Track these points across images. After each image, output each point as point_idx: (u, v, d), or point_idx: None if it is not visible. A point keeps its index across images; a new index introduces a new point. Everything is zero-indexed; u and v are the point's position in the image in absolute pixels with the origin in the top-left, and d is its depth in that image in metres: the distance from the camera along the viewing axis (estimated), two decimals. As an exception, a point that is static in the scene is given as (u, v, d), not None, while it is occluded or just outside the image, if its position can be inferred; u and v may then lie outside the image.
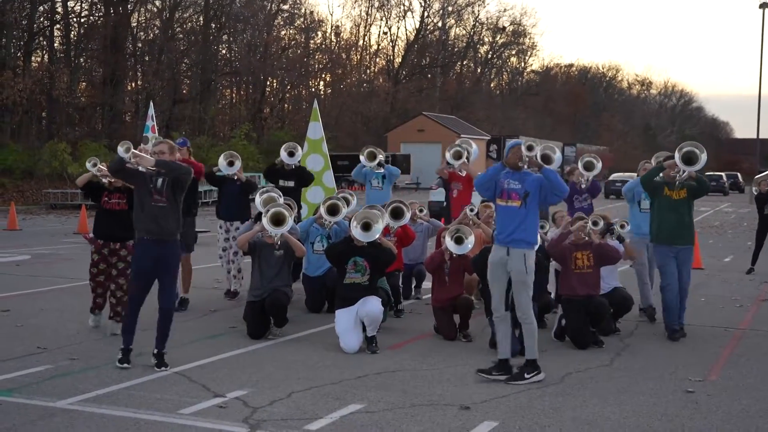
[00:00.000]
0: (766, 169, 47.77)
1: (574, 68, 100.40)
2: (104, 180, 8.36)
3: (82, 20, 43.76)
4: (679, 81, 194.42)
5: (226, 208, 10.65)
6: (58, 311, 9.69)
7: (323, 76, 64.13)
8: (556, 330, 8.61)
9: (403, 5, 74.09)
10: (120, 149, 7.11)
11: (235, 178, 10.47)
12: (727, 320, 9.96)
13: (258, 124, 52.49)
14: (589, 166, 10.90)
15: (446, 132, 56.22)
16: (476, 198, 10.49)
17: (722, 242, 21.05)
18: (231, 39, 53.99)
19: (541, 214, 11.38)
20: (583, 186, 10.89)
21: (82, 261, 13.74)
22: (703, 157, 8.42)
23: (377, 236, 8.26)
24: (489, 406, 6.22)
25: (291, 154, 11.24)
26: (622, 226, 8.91)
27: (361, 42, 71.88)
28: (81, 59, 43.72)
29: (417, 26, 74.41)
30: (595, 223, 8.61)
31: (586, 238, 8.47)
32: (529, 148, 6.77)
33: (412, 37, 74.19)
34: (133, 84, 47.09)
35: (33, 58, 42.24)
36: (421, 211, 10.93)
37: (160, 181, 7.03)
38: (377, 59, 74.57)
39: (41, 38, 42.30)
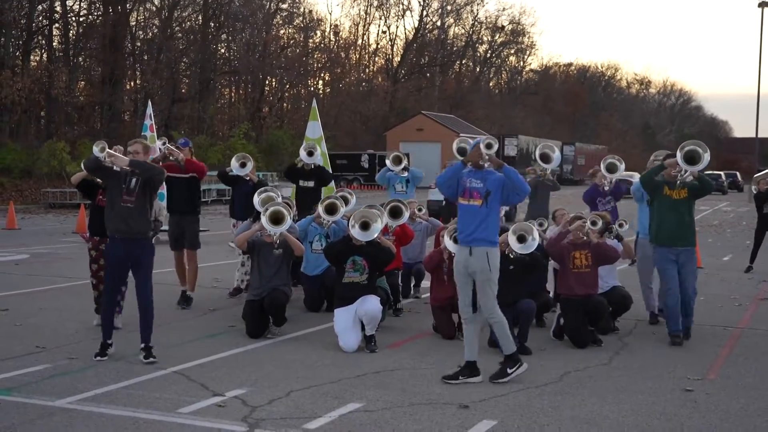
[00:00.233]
0: (764, 168, 47.89)
1: (573, 67, 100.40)
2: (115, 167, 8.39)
3: (81, 19, 43.72)
4: (678, 80, 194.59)
5: (240, 207, 10.85)
6: (57, 310, 9.69)
7: (322, 75, 64.09)
8: (555, 329, 8.61)
9: (402, 4, 74.13)
10: (95, 149, 7.32)
11: (248, 178, 10.70)
12: (725, 319, 9.96)
13: (257, 124, 52.48)
14: (612, 168, 10.48)
15: (445, 131, 56.21)
16: None
17: (721, 241, 21.07)
18: (230, 38, 53.94)
19: (541, 213, 11.43)
20: (606, 188, 10.48)
21: (81, 260, 13.71)
22: (706, 157, 8.20)
23: (376, 235, 8.26)
24: (487, 404, 6.23)
25: (310, 153, 11.45)
26: (620, 225, 8.87)
27: (359, 41, 71.92)
28: (80, 58, 43.69)
29: (416, 25, 74.46)
30: (593, 223, 8.59)
31: (585, 238, 8.47)
32: (488, 146, 6.74)
33: (411, 36, 74.18)
34: (132, 83, 47.05)
35: (32, 57, 42.16)
36: (419, 210, 10.94)
37: (133, 180, 7.24)
38: (376, 58, 74.63)
39: (40, 37, 42.24)
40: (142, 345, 7.35)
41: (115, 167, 7.21)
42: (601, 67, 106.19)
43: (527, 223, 8.50)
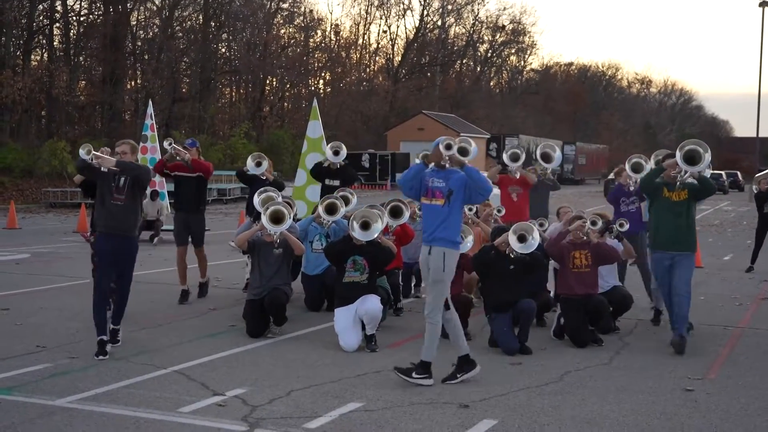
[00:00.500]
0: (765, 167, 47.85)
1: (573, 67, 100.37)
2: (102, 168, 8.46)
3: (82, 19, 43.75)
4: (678, 79, 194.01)
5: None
6: (58, 310, 9.69)
7: (323, 74, 64.12)
8: (555, 328, 8.61)
9: (403, 4, 74.11)
10: (81, 151, 7.55)
11: (264, 177, 10.82)
12: (726, 319, 9.96)
13: (257, 123, 52.50)
14: (637, 168, 9.91)
15: (446, 131, 56.14)
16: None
17: (722, 241, 21.07)
18: (230, 37, 53.95)
19: (541, 212, 11.39)
20: (632, 188, 10.24)
21: (82, 259, 13.75)
22: (707, 157, 7.86)
23: (376, 235, 8.26)
24: (488, 404, 6.23)
25: (336, 152, 11.49)
26: (621, 225, 8.84)
27: (360, 40, 71.90)
28: (80, 58, 43.72)
29: (416, 25, 74.43)
30: (593, 223, 8.58)
31: (585, 238, 8.47)
32: (447, 147, 6.74)
33: (411, 36, 74.16)
34: (133, 83, 47.08)
35: (32, 56, 42.18)
36: (420, 209, 10.91)
37: (122, 179, 7.50)
38: (377, 58, 74.60)
39: (41, 37, 42.26)
40: (110, 327, 7.68)
41: (102, 168, 7.45)
42: (602, 67, 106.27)
43: (527, 222, 8.50)
